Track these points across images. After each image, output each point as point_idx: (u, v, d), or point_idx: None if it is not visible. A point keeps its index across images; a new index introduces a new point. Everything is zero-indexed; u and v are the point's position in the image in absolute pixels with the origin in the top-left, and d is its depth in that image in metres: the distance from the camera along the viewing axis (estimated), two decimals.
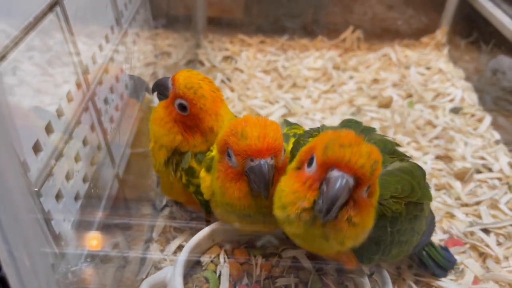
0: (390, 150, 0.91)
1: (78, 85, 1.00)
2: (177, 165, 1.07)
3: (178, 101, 0.99)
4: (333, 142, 0.67)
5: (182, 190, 1.09)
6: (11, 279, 0.49)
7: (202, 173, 0.96)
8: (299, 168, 0.75)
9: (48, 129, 0.86)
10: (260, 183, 0.79)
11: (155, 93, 1.10)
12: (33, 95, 0.83)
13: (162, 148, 1.06)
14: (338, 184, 0.65)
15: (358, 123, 0.98)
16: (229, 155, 0.82)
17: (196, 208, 1.15)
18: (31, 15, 0.81)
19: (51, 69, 0.90)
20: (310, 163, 0.71)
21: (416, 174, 0.89)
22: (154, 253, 1.11)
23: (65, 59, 0.96)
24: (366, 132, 0.94)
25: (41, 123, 0.83)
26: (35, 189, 0.76)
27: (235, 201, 0.84)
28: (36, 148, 0.81)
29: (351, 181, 0.66)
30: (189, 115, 1.00)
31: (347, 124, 0.99)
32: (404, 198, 0.81)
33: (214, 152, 0.93)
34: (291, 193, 0.72)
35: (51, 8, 0.89)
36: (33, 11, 0.82)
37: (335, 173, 0.66)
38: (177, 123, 1.02)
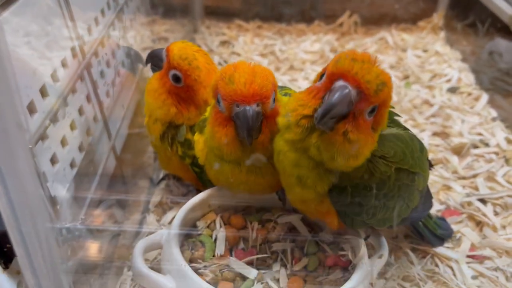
0: (389, 117, 0.91)
1: (74, 54, 1.00)
2: (173, 139, 1.07)
3: (172, 72, 0.98)
4: (346, 55, 0.67)
5: (179, 164, 1.09)
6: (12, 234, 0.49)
7: (196, 136, 0.97)
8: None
9: (43, 92, 0.86)
10: (243, 128, 0.79)
11: (149, 65, 1.10)
12: (28, 56, 0.83)
13: (157, 122, 1.06)
14: (339, 92, 0.65)
15: None
16: (218, 100, 0.82)
17: (193, 180, 1.15)
18: None
19: (46, 35, 0.91)
20: (321, 78, 0.71)
21: (411, 144, 0.88)
22: (151, 224, 1.11)
23: (60, 26, 0.96)
24: None
25: (36, 85, 0.83)
26: (29, 146, 0.76)
27: (223, 146, 0.84)
28: (31, 109, 0.81)
29: (353, 93, 0.66)
30: (183, 87, 0.99)
31: None
32: (395, 162, 0.80)
33: (207, 114, 0.93)
34: (295, 101, 0.72)
35: None
36: None
37: (339, 83, 0.66)
38: (171, 95, 1.01)
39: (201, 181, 1.09)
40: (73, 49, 1.00)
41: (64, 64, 0.96)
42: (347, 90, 0.65)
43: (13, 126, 0.38)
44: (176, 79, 0.99)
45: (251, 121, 0.78)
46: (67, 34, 0.97)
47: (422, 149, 0.91)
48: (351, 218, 0.83)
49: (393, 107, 0.87)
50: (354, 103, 0.67)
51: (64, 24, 0.97)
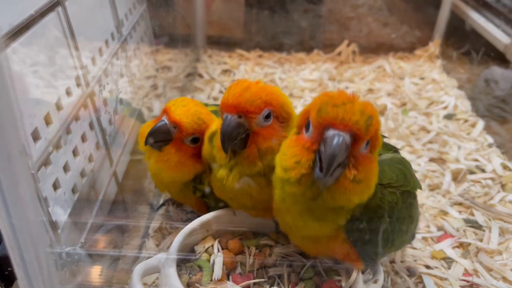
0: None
1: (78, 83, 1.04)
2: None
3: (189, 138, 1.00)
4: (326, 103, 0.68)
5: (190, 196, 1.11)
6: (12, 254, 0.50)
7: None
8: (298, 133, 0.76)
9: (47, 120, 0.90)
10: (221, 135, 0.84)
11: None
12: (34, 85, 0.87)
13: (175, 184, 1.08)
14: (335, 142, 0.65)
15: None
16: None
17: (194, 206, 1.16)
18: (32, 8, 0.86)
19: (52, 65, 0.95)
20: (307, 128, 0.72)
21: (406, 164, 0.92)
22: (150, 249, 1.12)
23: (66, 56, 1.00)
24: None
25: (41, 113, 0.87)
26: (32, 172, 0.79)
27: (216, 150, 0.90)
28: (35, 136, 0.84)
29: (347, 138, 0.66)
30: (200, 142, 1.01)
31: None
32: (399, 187, 0.82)
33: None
34: (290, 157, 0.73)
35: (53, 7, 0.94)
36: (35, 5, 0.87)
37: (331, 132, 0.67)
38: (193, 156, 1.03)
39: (208, 207, 1.10)
40: (77, 78, 1.04)
41: (68, 93, 1.00)
42: (341, 138, 0.66)
43: (16, 153, 0.41)
44: (196, 141, 1.01)
45: (226, 128, 0.82)
46: (72, 64, 1.01)
47: (410, 165, 0.94)
48: (374, 252, 0.84)
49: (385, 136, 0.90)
50: (349, 146, 0.67)
51: (70, 54, 1.02)
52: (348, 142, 0.67)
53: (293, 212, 0.79)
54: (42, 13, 0.89)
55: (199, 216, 1.03)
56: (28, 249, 0.48)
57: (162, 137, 0.99)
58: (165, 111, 1.00)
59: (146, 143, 0.99)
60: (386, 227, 0.81)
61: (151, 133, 0.98)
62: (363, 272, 0.94)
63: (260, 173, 0.88)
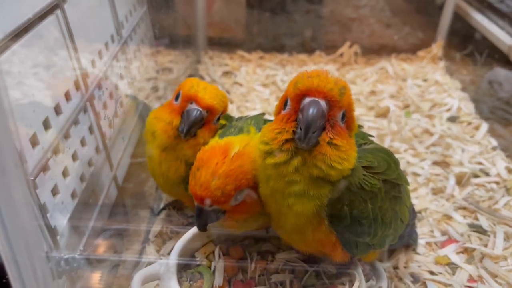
0: (363, 137, 0.93)
1: (77, 86, 1.03)
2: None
3: (216, 118, 1.03)
4: (301, 76, 0.73)
5: (183, 192, 1.10)
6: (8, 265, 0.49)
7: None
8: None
9: (46, 125, 0.88)
10: (196, 222, 0.86)
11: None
12: (34, 87, 0.86)
13: (181, 165, 1.06)
14: (312, 108, 0.69)
15: None
16: None
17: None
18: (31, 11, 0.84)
19: (52, 67, 0.94)
20: (285, 106, 0.75)
21: (392, 156, 0.91)
22: (150, 255, 1.11)
23: (65, 58, 0.99)
24: None
25: (39, 118, 0.85)
26: (31, 178, 0.78)
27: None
28: (33, 142, 0.83)
29: (323, 104, 0.70)
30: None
31: None
32: (381, 173, 0.82)
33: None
34: (271, 131, 0.75)
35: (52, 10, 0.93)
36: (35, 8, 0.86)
37: (307, 100, 0.71)
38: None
39: None
40: (76, 82, 1.02)
41: (67, 97, 0.98)
42: (318, 103, 0.70)
43: (10, 166, 0.40)
44: (219, 118, 1.05)
45: (197, 218, 0.84)
46: (71, 67, 1.00)
47: (398, 163, 0.93)
48: (355, 242, 0.83)
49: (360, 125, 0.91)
50: (326, 113, 0.71)
51: (69, 57, 1.00)
52: (324, 107, 0.71)
53: (276, 196, 0.79)
54: (40, 16, 0.87)
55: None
56: (23, 257, 0.47)
57: (199, 125, 1.00)
58: (191, 99, 0.99)
59: (186, 135, 0.98)
60: (367, 215, 0.80)
61: (192, 125, 0.98)
62: (367, 280, 0.93)
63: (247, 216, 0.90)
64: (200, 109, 0.98)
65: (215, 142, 0.88)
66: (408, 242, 1.16)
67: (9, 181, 0.41)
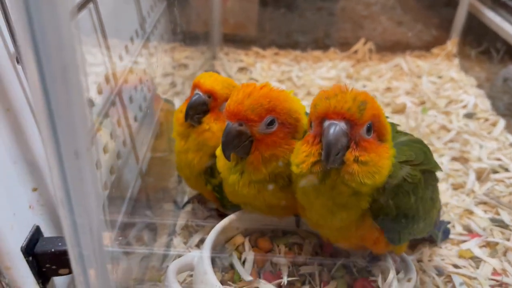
0: (392, 129, 0.93)
1: (107, 80, 1.04)
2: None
3: (224, 104, 0.99)
4: (320, 97, 0.74)
5: (204, 187, 1.11)
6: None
7: None
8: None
9: (87, 115, 0.89)
10: (222, 143, 0.84)
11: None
12: None
13: (205, 156, 1.07)
14: (331, 130, 0.70)
15: None
16: None
17: (216, 201, 1.16)
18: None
19: (87, 62, 0.95)
20: (311, 125, 0.77)
21: (425, 144, 0.91)
22: (178, 247, 1.12)
23: (96, 53, 1.00)
24: None
25: None
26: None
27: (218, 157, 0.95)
28: None
29: (343, 125, 0.71)
30: None
31: None
32: (419, 165, 0.82)
33: None
34: (300, 153, 0.77)
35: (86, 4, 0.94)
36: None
37: (326, 123, 0.72)
38: None
39: (222, 205, 1.11)
40: (106, 76, 1.04)
41: (99, 91, 1.00)
42: (336, 126, 0.70)
43: (83, 150, 0.41)
44: None
45: (226, 136, 0.83)
46: (102, 61, 1.01)
47: (431, 151, 0.94)
48: (398, 232, 0.84)
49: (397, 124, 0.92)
50: (348, 133, 0.72)
51: (100, 52, 1.02)
52: (345, 128, 0.71)
53: (317, 206, 0.81)
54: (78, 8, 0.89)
55: (221, 213, 1.03)
56: (88, 247, 0.48)
57: (200, 109, 1.01)
58: (195, 86, 1.02)
59: (186, 118, 1.01)
60: (411, 206, 0.81)
61: (190, 107, 1.00)
62: (397, 273, 0.94)
63: (267, 180, 0.88)
64: (200, 93, 1.00)
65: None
66: (442, 235, 1.18)
67: (81, 164, 0.42)
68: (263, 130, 0.84)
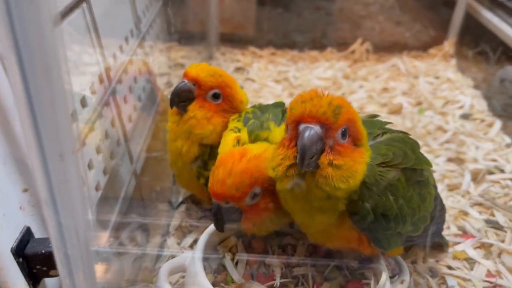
0: (379, 127, 0.92)
1: (101, 80, 1.04)
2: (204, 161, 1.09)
3: (210, 93, 1.03)
4: (296, 101, 0.74)
5: (197, 183, 1.11)
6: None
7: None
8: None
9: (72, 117, 0.89)
10: (213, 220, 0.89)
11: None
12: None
13: (194, 145, 1.07)
14: (306, 134, 0.70)
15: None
16: None
17: (208, 201, 1.16)
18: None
19: (79, 62, 0.94)
20: (287, 129, 0.77)
21: (408, 141, 0.90)
22: (172, 247, 1.12)
23: (91, 53, 1.00)
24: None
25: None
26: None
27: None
28: None
29: (317, 129, 0.71)
30: (223, 100, 1.05)
31: None
32: (398, 164, 0.82)
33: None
34: (275, 156, 0.77)
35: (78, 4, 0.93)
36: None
37: (301, 126, 0.72)
38: (218, 114, 1.05)
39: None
40: (100, 76, 1.03)
41: (92, 91, 0.99)
42: (311, 130, 0.71)
43: (68, 152, 0.41)
44: (216, 97, 1.04)
45: (215, 215, 0.85)
46: (96, 61, 1.01)
47: (417, 144, 0.94)
48: (385, 237, 0.84)
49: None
50: (322, 136, 0.72)
51: (93, 51, 1.01)
52: (319, 132, 0.71)
53: (297, 210, 0.82)
54: (70, 8, 0.88)
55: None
56: (74, 248, 0.48)
57: (184, 96, 1.02)
58: (183, 75, 1.04)
59: (172, 104, 1.03)
60: (390, 207, 0.80)
61: (174, 94, 1.02)
62: (392, 276, 0.93)
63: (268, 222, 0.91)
64: (185, 80, 1.02)
65: (235, 148, 0.92)
66: (439, 239, 1.15)
67: (66, 166, 0.42)
68: (250, 202, 0.85)
